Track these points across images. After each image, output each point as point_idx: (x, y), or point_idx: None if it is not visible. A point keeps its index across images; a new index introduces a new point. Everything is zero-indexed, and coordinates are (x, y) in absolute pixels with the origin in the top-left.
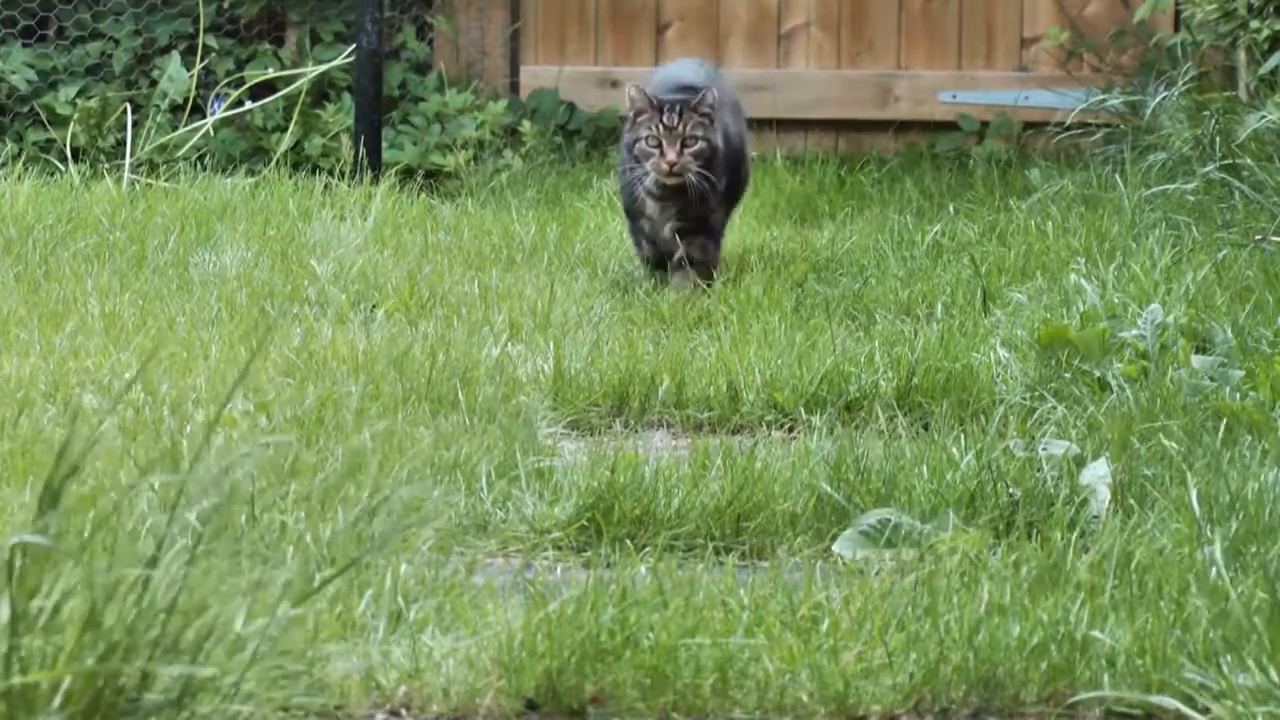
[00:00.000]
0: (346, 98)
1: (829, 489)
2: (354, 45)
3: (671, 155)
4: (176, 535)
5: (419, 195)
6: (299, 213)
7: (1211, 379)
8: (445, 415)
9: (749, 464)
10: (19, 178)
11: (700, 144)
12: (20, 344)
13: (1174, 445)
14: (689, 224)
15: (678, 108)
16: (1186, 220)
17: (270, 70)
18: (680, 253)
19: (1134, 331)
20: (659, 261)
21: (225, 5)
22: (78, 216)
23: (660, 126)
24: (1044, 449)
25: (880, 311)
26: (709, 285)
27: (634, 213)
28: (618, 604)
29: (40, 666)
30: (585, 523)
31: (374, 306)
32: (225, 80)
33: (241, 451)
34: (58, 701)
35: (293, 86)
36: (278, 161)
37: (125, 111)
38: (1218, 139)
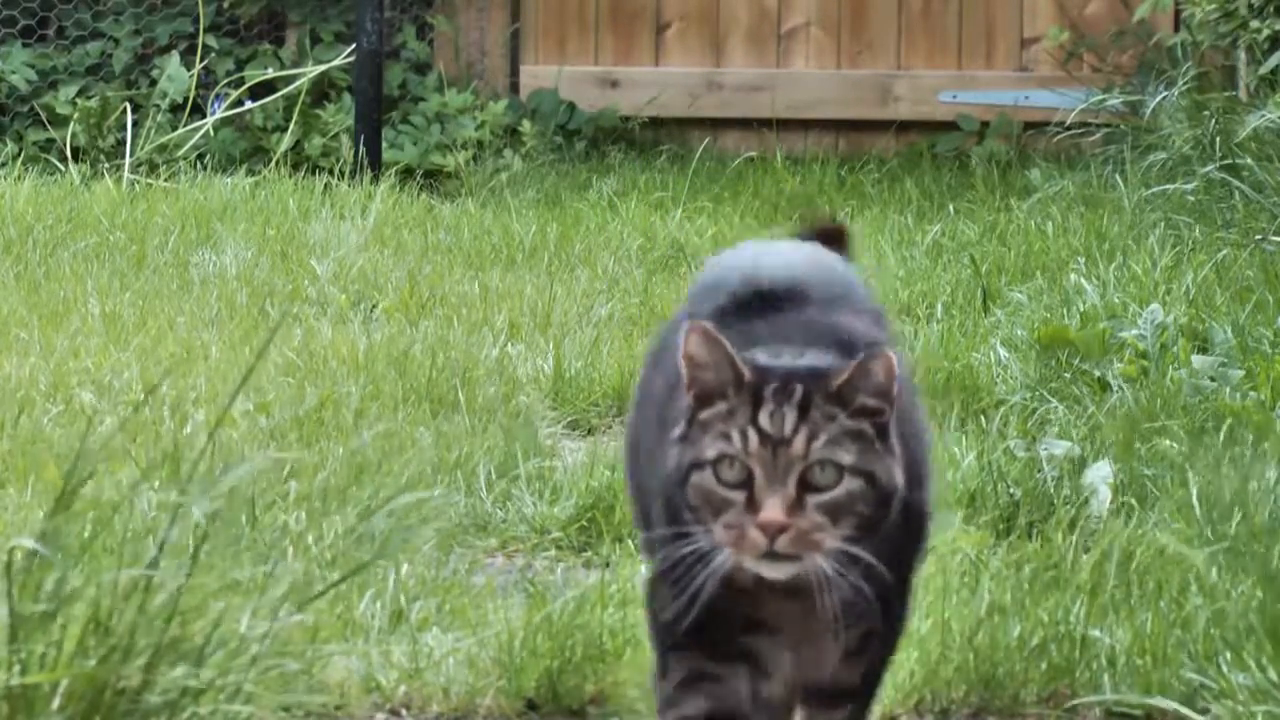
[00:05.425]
0: (346, 98)
1: None
2: (354, 45)
3: (776, 512)
4: (177, 536)
5: (419, 195)
6: (299, 212)
7: (1212, 379)
8: (445, 415)
9: None
10: (19, 178)
11: (852, 483)
12: (20, 344)
13: (1174, 445)
14: (825, 678)
15: (797, 390)
16: (1186, 220)
17: (270, 70)
18: None
19: (1134, 331)
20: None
21: (225, 5)
22: (78, 216)
23: (754, 435)
24: (1045, 449)
25: None
26: None
27: (670, 623)
28: (618, 604)
29: (41, 668)
30: (585, 523)
31: (374, 306)
32: (225, 80)
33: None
34: (57, 702)
35: (293, 86)
36: (278, 161)
37: (125, 111)
38: (1218, 139)
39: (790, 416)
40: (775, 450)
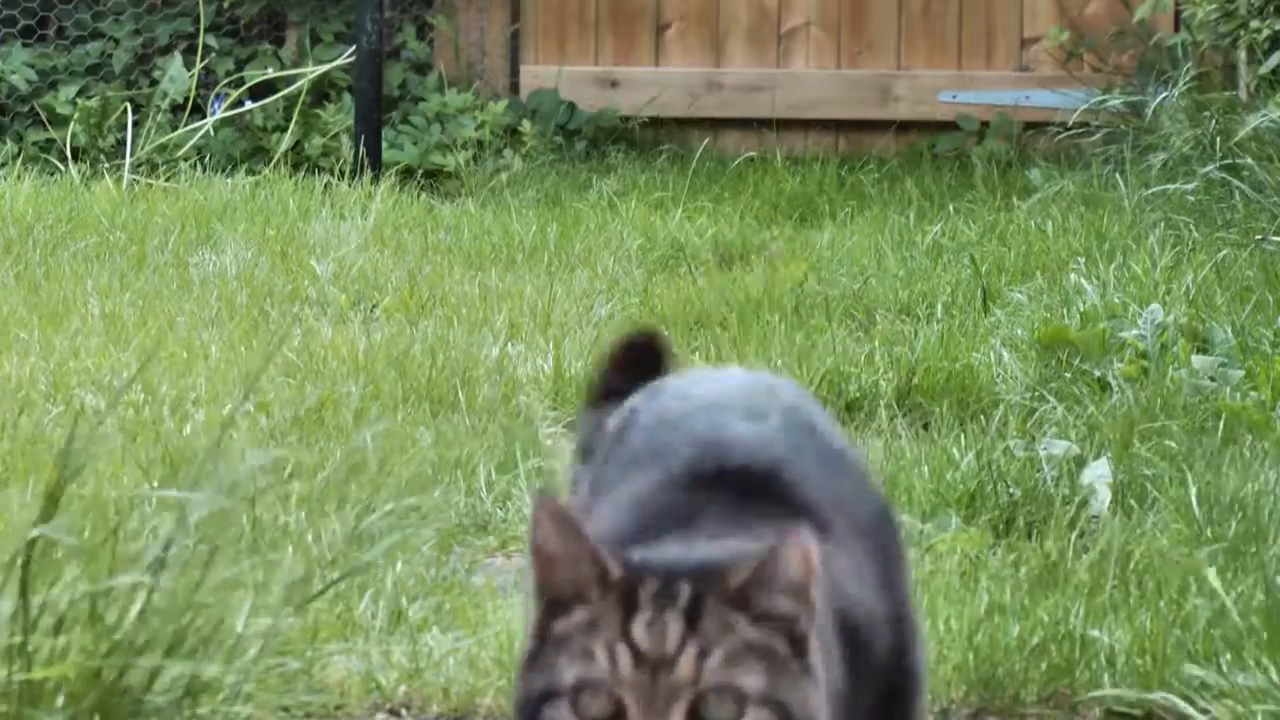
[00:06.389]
0: (346, 98)
1: None
2: (354, 45)
3: None
4: (179, 536)
5: (419, 195)
6: (299, 213)
7: (1211, 379)
8: (445, 415)
9: None
10: (19, 178)
11: (757, 716)
12: (20, 344)
13: (1174, 445)
14: None
15: (682, 592)
16: (1186, 220)
17: (270, 70)
18: None
19: (1134, 331)
20: None
21: (225, 5)
22: (78, 216)
23: (624, 653)
24: (1044, 449)
25: (880, 311)
26: None
27: None
28: None
29: (45, 664)
30: None
31: (374, 306)
32: (225, 80)
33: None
34: (61, 700)
35: (293, 86)
36: (278, 161)
37: (125, 111)
38: (1218, 139)
39: (674, 627)
40: (654, 673)
